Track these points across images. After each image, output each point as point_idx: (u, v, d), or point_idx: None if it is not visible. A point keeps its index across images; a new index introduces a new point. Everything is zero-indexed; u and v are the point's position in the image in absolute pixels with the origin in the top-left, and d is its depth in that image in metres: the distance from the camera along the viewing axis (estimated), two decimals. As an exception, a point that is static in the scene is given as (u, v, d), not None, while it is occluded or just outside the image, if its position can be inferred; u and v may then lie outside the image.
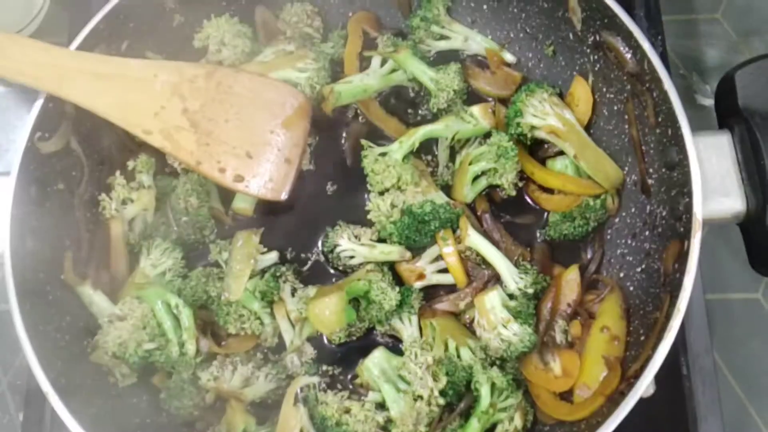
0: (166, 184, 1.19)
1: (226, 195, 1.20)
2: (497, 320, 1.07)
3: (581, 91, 1.17)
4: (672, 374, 1.13)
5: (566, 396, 1.05)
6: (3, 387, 1.31)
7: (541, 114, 1.14)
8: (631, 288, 1.08)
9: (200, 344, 1.10)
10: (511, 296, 1.10)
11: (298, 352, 1.11)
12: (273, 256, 1.17)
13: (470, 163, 1.16)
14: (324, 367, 1.12)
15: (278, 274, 1.14)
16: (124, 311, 1.07)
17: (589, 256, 1.15)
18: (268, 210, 1.20)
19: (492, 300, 1.08)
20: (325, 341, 1.14)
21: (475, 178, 1.18)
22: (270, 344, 1.14)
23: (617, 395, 0.94)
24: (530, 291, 1.09)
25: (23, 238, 1.03)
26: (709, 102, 1.42)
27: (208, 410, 1.10)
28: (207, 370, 1.09)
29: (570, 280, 1.11)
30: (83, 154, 1.14)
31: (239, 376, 1.09)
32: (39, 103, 1.07)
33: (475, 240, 1.12)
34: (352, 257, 1.15)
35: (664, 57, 1.29)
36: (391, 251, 1.13)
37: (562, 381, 1.05)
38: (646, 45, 1.01)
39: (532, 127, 1.15)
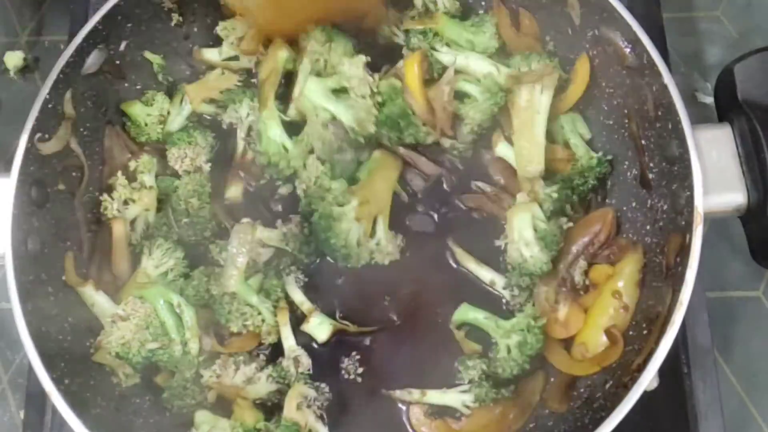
0: (168, 185, 1.19)
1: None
2: (521, 238, 1.09)
3: (582, 69, 1.16)
4: (673, 372, 1.13)
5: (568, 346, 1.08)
6: (4, 385, 1.31)
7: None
8: (633, 283, 1.08)
9: (203, 343, 1.10)
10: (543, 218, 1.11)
11: (294, 362, 1.11)
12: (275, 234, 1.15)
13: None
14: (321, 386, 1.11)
15: (282, 267, 1.14)
16: (126, 311, 1.07)
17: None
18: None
19: (523, 220, 1.09)
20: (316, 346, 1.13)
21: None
22: (272, 341, 1.13)
23: (621, 389, 0.94)
24: (556, 197, 1.11)
25: (24, 240, 1.03)
26: (709, 100, 1.42)
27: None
28: (209, 369, 1.09)
29: (604, 220, 1.11)
30: (83, 154, 1.14)
31: (242, 374, 1.08)
32: (38, 104, 1.07)
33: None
34: None
35: (664, 53, 1.29)
36: None
37: (560, 329, 1.07)
38: (644, 39, 1.02)
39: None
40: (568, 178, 1.14)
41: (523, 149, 1.13)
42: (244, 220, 1.13)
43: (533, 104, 1.13)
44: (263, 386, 1.09)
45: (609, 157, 1.15)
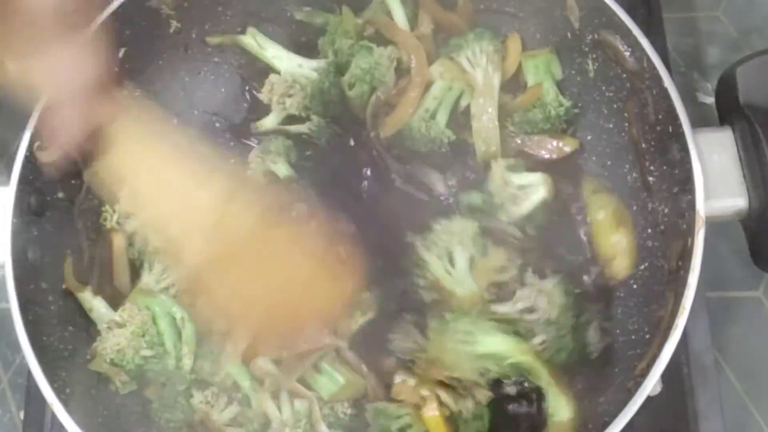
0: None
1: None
2: None
3: (513, 47, 1.19)
4: (673, 372, 1.12)
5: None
6: (4, 385, 1.31)
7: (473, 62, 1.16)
8: (635, 286, 1.08)
9: (197, 364, 1.08)
10: None
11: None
12: None
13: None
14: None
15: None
16: (123, 318, 1.07)
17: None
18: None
19: None
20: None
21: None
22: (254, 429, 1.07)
23: (624, 393, 0.94)
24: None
25: (24, 249, 1.03)
26: (710, 100, 1.42)
27: (195, 427, 1.08)
28: (203, 392, 1.07)
29: None
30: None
31: (229, 413, 1.07)
32: (38, 112, 1.06)
33: None
34: None
35: (665, 56, 1.29)
36: None
37: None
38: (645, 43, 1.01)
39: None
40: (533, 120, 1.17)
41: (482, 132, 1.15)
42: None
43: (489, 86, 1.15)
44: None
45: (578, 107, 1.17)
